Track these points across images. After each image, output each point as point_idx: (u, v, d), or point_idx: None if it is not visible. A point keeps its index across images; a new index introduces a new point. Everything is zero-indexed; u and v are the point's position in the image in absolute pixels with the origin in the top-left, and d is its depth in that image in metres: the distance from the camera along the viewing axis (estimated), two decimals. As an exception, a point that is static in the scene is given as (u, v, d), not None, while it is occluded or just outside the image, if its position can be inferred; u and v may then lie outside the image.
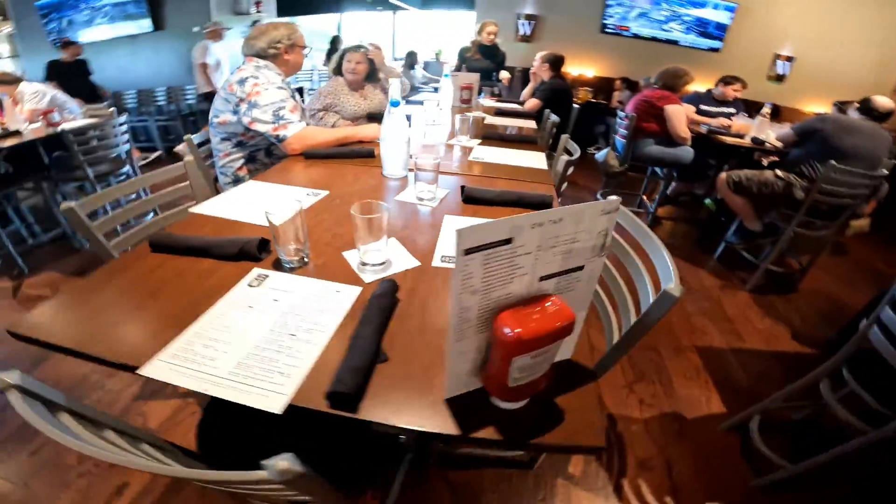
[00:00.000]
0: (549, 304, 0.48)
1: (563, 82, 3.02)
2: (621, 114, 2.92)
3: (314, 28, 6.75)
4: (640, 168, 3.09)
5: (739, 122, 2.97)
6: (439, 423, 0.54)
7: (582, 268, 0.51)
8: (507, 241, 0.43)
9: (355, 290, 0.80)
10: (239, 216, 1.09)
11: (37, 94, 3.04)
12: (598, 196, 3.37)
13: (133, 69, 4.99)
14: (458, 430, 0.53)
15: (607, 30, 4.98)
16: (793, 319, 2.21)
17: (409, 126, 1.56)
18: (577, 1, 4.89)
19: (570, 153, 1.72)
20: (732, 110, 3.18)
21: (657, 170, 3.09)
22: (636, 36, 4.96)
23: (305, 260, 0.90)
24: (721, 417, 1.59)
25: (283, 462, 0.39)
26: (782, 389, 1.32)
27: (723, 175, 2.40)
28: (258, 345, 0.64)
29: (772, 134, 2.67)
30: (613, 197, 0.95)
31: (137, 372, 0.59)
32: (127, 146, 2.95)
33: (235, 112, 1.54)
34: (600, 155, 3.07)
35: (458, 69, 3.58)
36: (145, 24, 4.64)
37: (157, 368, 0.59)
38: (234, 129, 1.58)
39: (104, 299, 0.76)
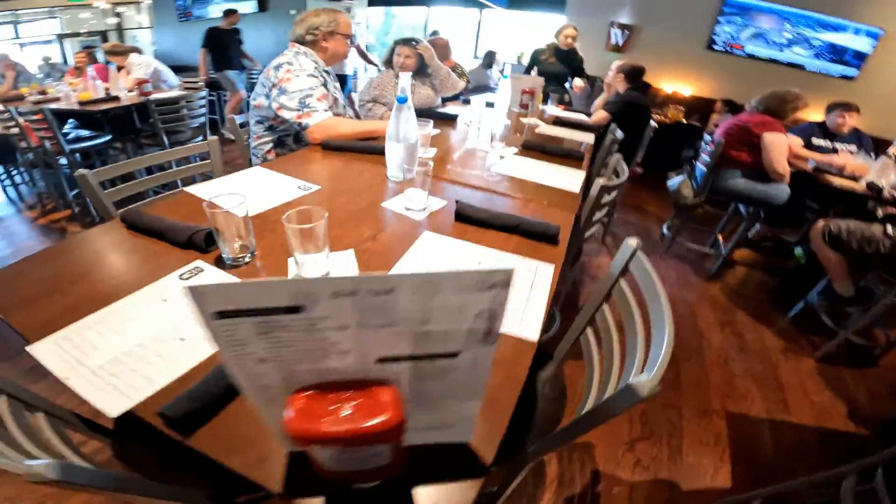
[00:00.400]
0: (374, 394, 0.34)
1: (641, 96, 2.69)
2: (707, 137, 2.53)
3: (406, 21, 6.89)
4: (719, 202, 2.67)
5: (855, 161, 2.42)
6: (263, 473, 0.46)
7: (457, 354, 0.36)
8: (295, 310, 0.29)
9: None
10: (226, 202, 1.05)
11: (142, 65, 3.40)
12: (664, 229, 2.98)
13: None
14: (277, 486, 0.45)
15: (715, 47, 4.40)
16: (858, 396, 1.78)
17: (431, 126, 1.45)
18: (684, 14, 4.37)
19: (617, 175, 1.49)
20: (852, 148, 2.61)
21: (740, 207, 2.64)
22: (751, 56, 4.33)
23: (247, 260, 0.83)
24: (722, 493, 1.31)
25: None
26: (809, 475, 1.02)
27: (820, 223, 1.95)
28: (143, 343, 0.61)
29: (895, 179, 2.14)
30: (633, 240, 0.74)
31: (27, 348, 0.58)
32: (203, 119, 3.18)
33: (268, 96, 1.53)
34: (673, 182, 2.70)
35: (527, 71, 3.37)
36: (252, 6, 5.03)
37: (44, 348, 0.59)
38: (265, 112, 1.58)
39: (53, 267, 0.79)
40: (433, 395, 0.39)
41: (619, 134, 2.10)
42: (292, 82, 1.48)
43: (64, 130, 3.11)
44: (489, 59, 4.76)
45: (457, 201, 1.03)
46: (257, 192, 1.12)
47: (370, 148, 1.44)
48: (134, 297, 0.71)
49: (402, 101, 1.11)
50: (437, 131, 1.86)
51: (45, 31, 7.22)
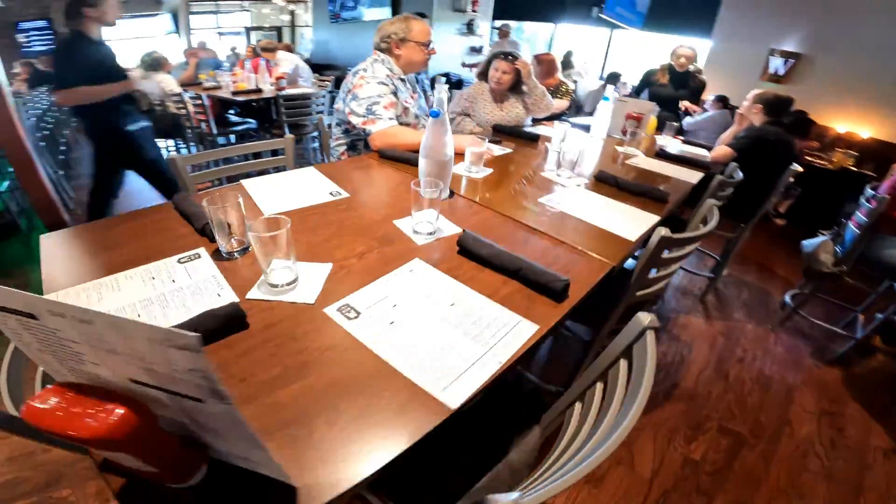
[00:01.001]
0: (113, 408, 0.34)
1: (780, 132, 2.19)
2: (869, 192, 1.97)
3: (531, 36, 6.78)
4: (867, 276, 2.05)
5: None
6: None
7: (202, 400, 0.33)
8: (32, 317, 0.31)
9: (228, 299, 0.75)
10: (264, 198, 1.14)
11: (286, 62, 3.93)
12: (787, 297, 2.39)
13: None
14: None
15: (915, 80, 3.42)
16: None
17: (486, 144, 1.37)
18: (877, 40, 3.47)
19: (705, 223, 1.24)
20: None
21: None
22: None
23: (236, 255, 0.87)
24: None
25: None
26: None
27: None
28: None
29: None
30: (646, 316, 0.73)
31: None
32: (322, 115, 3.55)
33: (344, 100, 1.62)
34: (809, 244, 2.15)
35: (637, 93, 3.03)
36: (386, 12, 5.47)
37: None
38: (342, 115, 1.68)
39: (104, 234, 0.95)
40: (215, 430, 0.39)
41: (739, 175, 1.75)
42: (363, 88, 1.54)
43: (229, 113, 3.77)
44: (613, 80, 4.42)
45: (463, 231, 0.94)
46: (292, 192, 1.19)
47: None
48: (135, 270, 0.81)
49: (436, 115, 1.06)
50: (509, 150, 1.76)
51: (238, 22, 8.65)
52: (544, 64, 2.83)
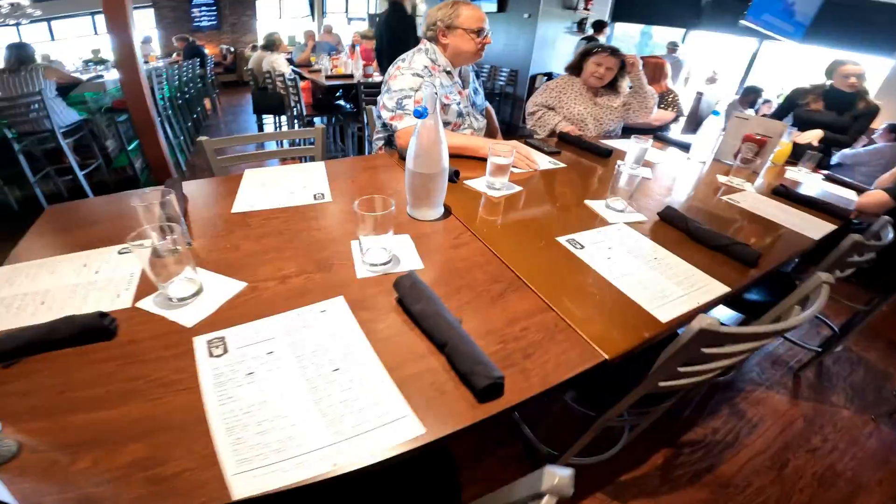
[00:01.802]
0: None
1: None
2: None
3: (660, 41, 5.92)
4: None
5: None
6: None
7: None
8: None
9: (122, 304, 0.69)
10: (249, 192, 1.08)
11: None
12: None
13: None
14: None
15: None
16: None
17: (513, 156, 1.11)
18: None
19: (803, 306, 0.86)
20: None
21: None
22: None
23: (165, 254, 0.79)
24: None
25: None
26: None
27: None
28: (28, 293, 0.70)
29: None
30: None
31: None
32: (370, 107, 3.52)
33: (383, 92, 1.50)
34: None
35: (778, 116, 2.37)
36: (492, 6, 5.18)
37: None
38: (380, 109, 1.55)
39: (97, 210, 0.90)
40: None
41: (889, 236, 1.23)
42: (396, 80, 1.39)
43: (336, 96, 3.97)
44: (750, 95, 3.64)
45: (409, 272, 0.73)
46: (282, 188, 1.10)
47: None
48: (77, 255, 0.79)
49: (420, 115, 0.85)
50: (560, 164, 1.46)
51: (365, 9, 9.11)
52: (649, 67, 2.39)
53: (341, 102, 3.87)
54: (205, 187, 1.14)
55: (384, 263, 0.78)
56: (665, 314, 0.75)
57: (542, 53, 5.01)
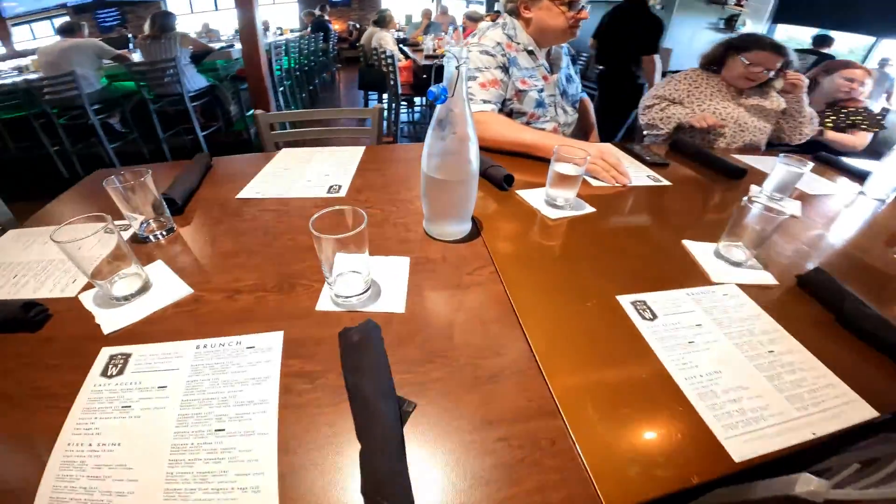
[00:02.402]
0: None
1: None
2: None
3: (841, 48, 4.57)
4: None
5: None
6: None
7: None
8: None
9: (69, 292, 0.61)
10: (269, 176, 0.98)
11: (477, 32, 3.72)
12: None
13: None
14: None
15: None
16: None
17: (571, 168, 0.82)
18: None
19: None
20: None
21: None
22: None
23: (152, 239, 0.72)
24: None
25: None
26: None
27: None
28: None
29: None
30: None
31: None
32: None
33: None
34: None
35: None
36: None
37: None
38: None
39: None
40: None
41: None
42: (463, 59, 1.16)
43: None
44: None
45: (367, 320, 0.52)
46: (300, 175, 0.96)
47: (488, 174, 0.97)
48: (74, 227, 0.57)
49: (434, 98, 0.61)
50: (663, 182, 1.10)
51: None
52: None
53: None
54: (235, 164, 1.06)
55: (355, 296, 0.59)
56: (744, 447, 0.43)
57: (675, 51, 4.21)
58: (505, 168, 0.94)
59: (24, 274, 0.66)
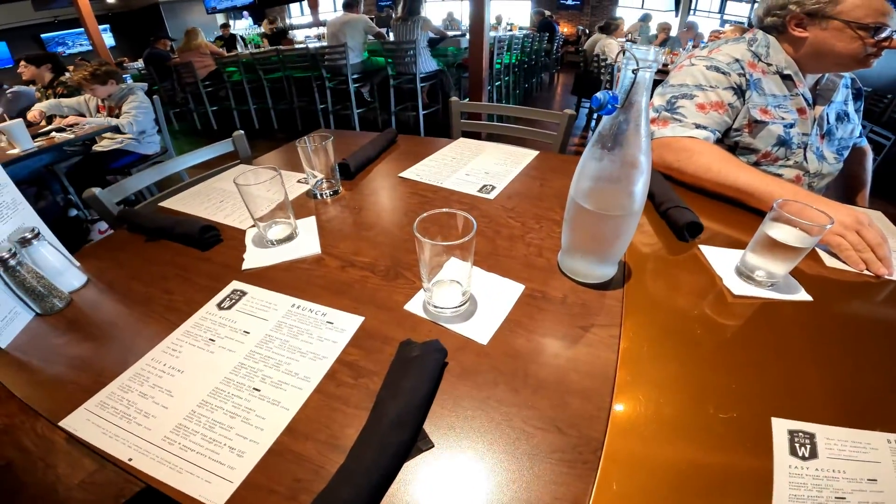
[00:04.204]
0: None
1: None
2: None
3: None
4: None
5: None
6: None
7: None
8: None
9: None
10: (428, 165, 1.00)
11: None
12: None
13: None
14: None
15: None
16: None
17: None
18: None
19: None
20: None
21: None
22: None
23: (320, 196, 0.83)
24: None
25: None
26: None
27: None
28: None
29: None
30: None
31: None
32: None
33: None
34: None
35: None
36: None
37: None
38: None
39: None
40: None
41: None
42: (681, 72, 0.95)
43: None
44: None
45: (434, 345, 0.46)
46: (460, 167, 0.97)
47: (668, 215, 0.78)
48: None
49: (600, 106, 0.48)
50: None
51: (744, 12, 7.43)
52: None
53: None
54: (416, 144, 1.13)
55: (447, 308, 0.54)
56: None
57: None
58: (694, 212, 0.74)
59: (226, 200, 0.84)
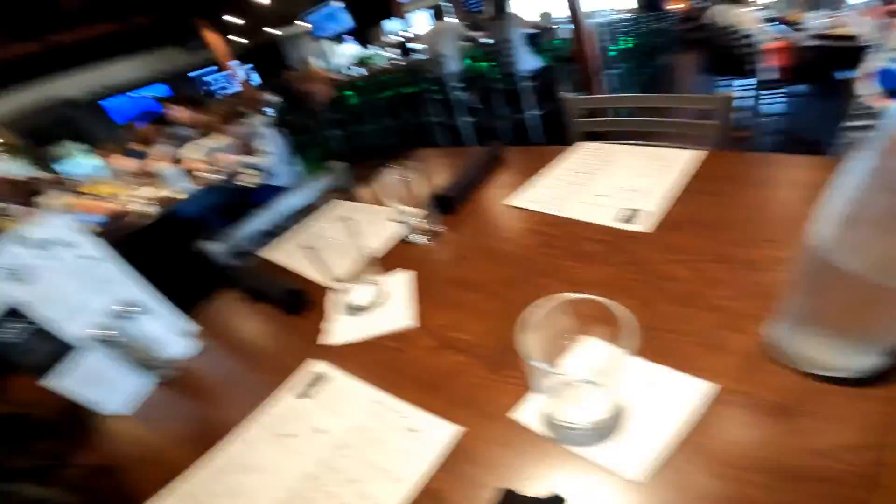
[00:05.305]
0: None
1: None
2: None
3: None
4: None
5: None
6: None
7: None
8: None
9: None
10: (568, 183, 0.78)
11: None
12: None
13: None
14: None
15: None
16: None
17: None
18: None
19: None
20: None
21: None
22: None
23: (417, 241, 0.69)
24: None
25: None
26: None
27: None
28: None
29: None
30: None
31: None
32: None
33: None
34: None
35: None
36: None
37: None
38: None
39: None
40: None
41: None
42: None
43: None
44: None
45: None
46: (590, 185, 0.73)
47: None
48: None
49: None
50: None
51: None
52: None
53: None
54: (524, 157, 0.94)
55: (580, 425, 0.34)
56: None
57: None
58: None
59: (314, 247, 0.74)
